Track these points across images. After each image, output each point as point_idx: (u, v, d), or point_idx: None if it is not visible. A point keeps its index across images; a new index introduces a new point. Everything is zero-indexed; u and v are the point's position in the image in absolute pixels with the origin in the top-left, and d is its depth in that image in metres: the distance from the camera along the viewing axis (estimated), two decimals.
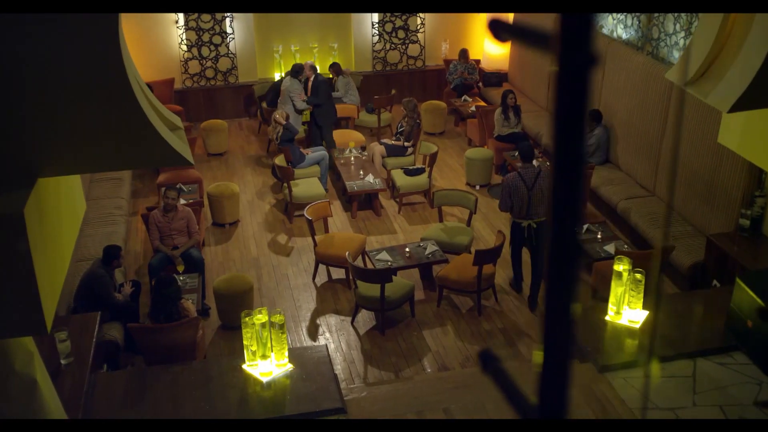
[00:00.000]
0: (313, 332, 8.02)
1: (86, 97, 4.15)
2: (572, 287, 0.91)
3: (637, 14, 10.41)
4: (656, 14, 9.95)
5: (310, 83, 11.93)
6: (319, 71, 12.45)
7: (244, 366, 6.35)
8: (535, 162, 10.88)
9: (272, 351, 6.32)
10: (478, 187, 11.17)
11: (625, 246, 8.56)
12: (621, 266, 6.77)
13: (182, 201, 9.69)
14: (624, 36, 10.75)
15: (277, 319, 6.21)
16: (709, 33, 5.95)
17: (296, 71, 11.89)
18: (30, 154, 4.27)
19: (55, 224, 4.72)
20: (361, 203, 10.58)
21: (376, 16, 14.28)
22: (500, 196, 8.24)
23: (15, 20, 3.72)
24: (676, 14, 9.50)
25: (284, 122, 10.74)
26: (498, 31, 0.84)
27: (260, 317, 6.16)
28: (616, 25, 10.96)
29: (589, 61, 0.79)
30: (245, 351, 6.34)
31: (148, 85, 12.21)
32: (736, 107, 5.67)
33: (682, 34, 9.32)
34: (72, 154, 4.53)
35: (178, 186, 10.16)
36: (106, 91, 4.13)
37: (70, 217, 5.11)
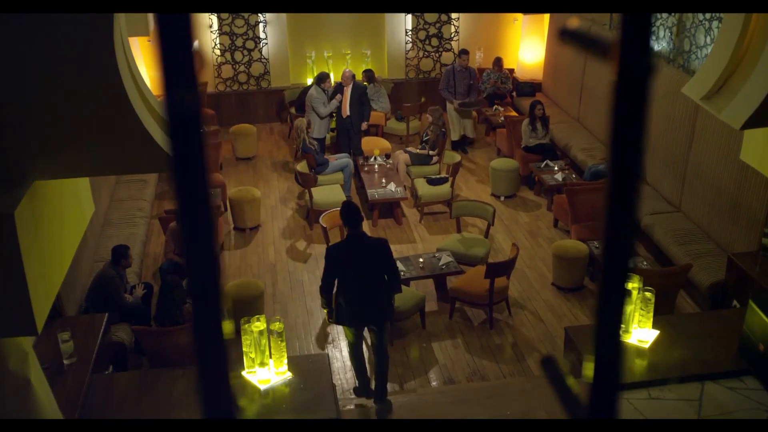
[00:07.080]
0: (322, 340, 7.99)
1: (79, 101, 4.16)
2: (218, 301, 0.92)
3: (669, 26, 10.17)
4: (687, 26, 9.71)
5: (348, 90, 11.83)
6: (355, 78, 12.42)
7: (243, 373, 6.35)
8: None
9: (271, 359, 6.31)
10: (503, 198, 11.03)
11: (644, 263, 8.35)
12: (630, 284, 6.60)
13: None
14: (656, 48, 10.52)
15: (276, 327, 6.19)
16: (727, 47, 5.78)
17: (320, 79, 11.83)
18: (23, 156, 4.31)
19: (55, 226, 4.75)
20: (383, 211, 10.52)
21: (410, 24, 14.24)
22: None
23: (7, 20, 3.75)
24: (707, 26, 9.25)
25: (305, 131, 10.75)
26: None
27: (258, 324, 6.15)
28: None
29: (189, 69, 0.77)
30: (244, 358, 6.33)
31: None
32: (748, 124, 5.51)
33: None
34: (66, 158, 4.56)
35: None
36: (98, 94, 4.14)
37: (73, 219, 5.14)
